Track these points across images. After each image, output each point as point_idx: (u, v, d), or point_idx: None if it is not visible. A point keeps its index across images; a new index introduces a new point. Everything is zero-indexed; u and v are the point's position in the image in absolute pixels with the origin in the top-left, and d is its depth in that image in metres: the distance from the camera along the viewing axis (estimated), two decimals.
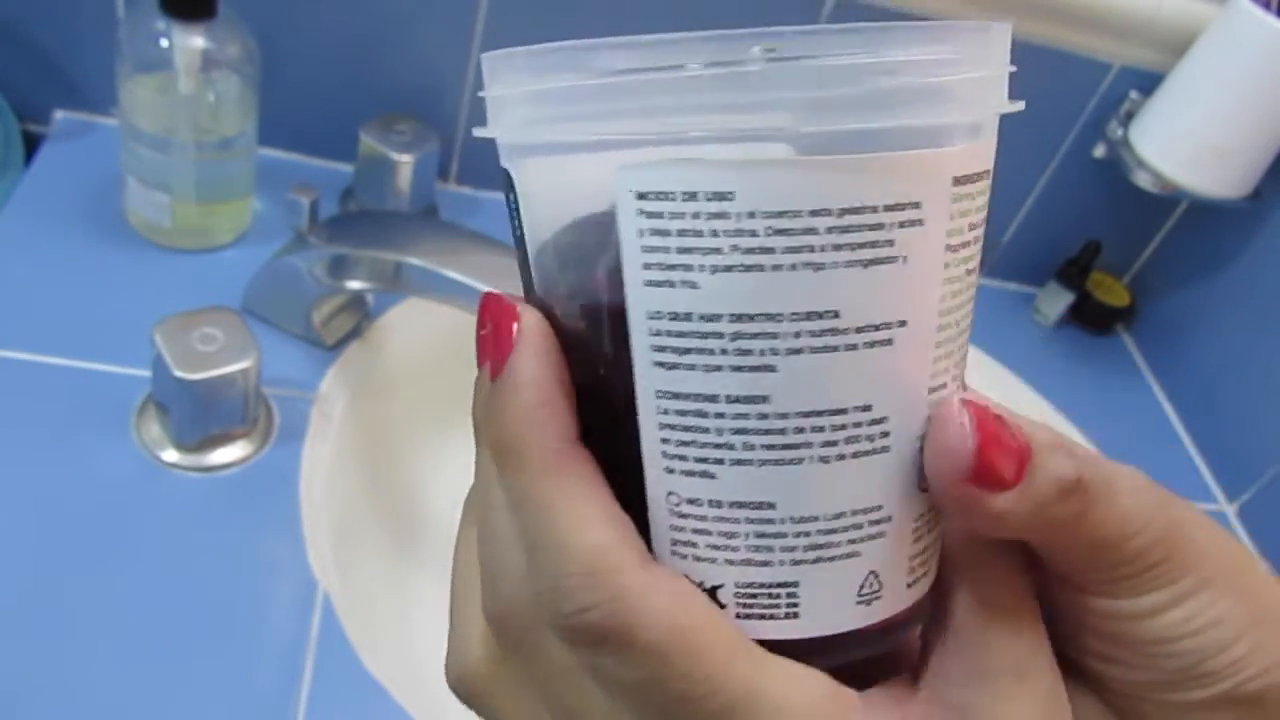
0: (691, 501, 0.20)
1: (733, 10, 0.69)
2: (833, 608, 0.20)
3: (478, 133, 0.22)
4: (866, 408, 0.20)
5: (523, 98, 0.20)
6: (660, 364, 0.19)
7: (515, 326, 0.21)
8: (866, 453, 0.20)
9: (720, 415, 0.19)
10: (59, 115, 0.73)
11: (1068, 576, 0.21)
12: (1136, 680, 0.22)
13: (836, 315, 0.19)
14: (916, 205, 0.19)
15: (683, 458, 0.20)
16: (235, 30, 0.61)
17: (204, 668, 0.48)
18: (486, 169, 0.79)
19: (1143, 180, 0.74)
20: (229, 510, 0.54)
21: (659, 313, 0.19)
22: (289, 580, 0.52)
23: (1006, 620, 0.21)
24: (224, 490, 0.55)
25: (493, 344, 0.21)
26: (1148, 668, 0.21)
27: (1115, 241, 0.85)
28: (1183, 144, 0.72)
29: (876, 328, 0.19)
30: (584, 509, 0.20)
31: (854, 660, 0.21)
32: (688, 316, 0.19)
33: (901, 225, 0.19)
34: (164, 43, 0.59)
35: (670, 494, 0.20)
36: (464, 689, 0.24)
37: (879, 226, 0.19)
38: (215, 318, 0.55)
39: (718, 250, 0.18)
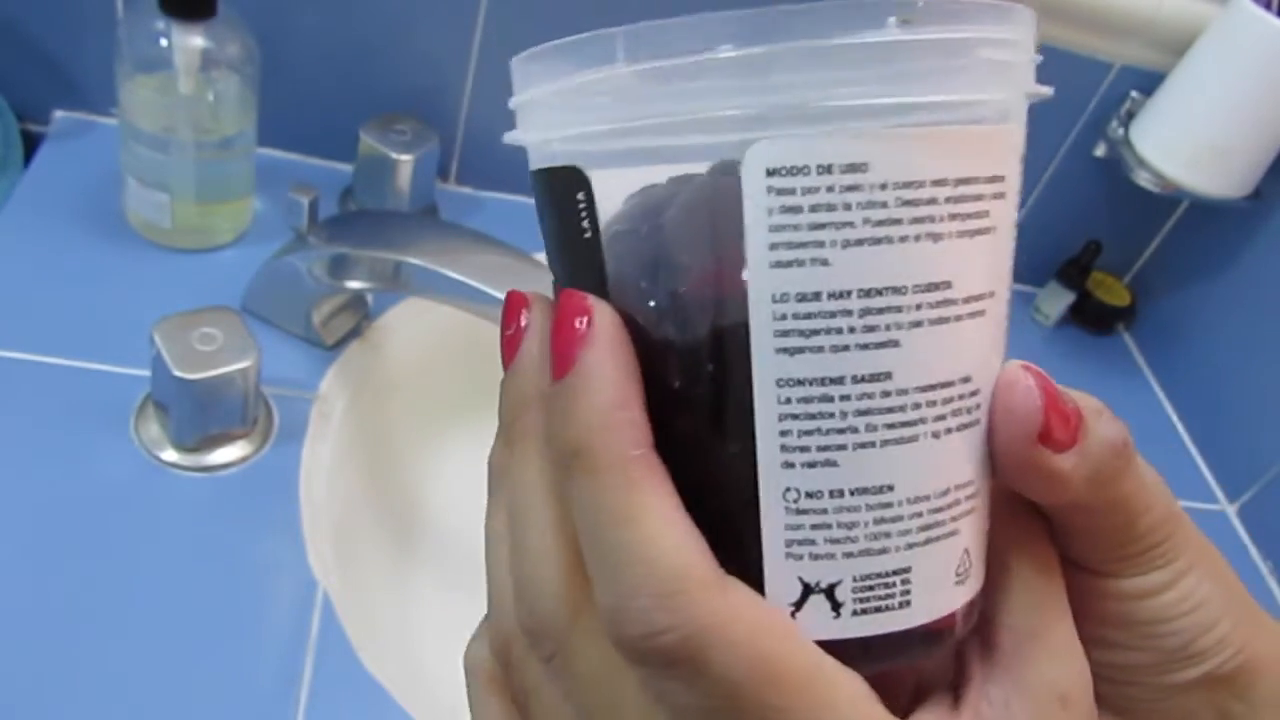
0: (811, 495, 0.19)
1: (736, 6, 0.69)
2: (937, 590, 0.20)
3: (542, 136, 0.21)
4: (967, 379, 0.20)
5: (613, 83, 0.19)
6: (784, 350, 0.19)
7: (584, 320, 0.20)
8: (967, 425, 0.20)
9: (845, 398, 0.19)
10: (59, 115, 0.73)
11: (1086, 555, 0.22)
12: (1132, 664, 0.22)
13: (950, 286, 0.19)
14: (1003, 179, 0.20)
15: (805, 449, 0.19)
16: (235, 30, 0.61)
17: (204, 668, 0.48)
18: (486, 169, 0.79)
19: (1143, 180, 0.74)
20: (229, 510, 0.54)
21: (785, 295, 0.18)
22: (289, 580, 0.52)
23: (1052, 643, 0.21)
24: (224, 490, 0.55)
25: (558, 337, 0.20)
26: (1146, 649, 0.22)
27: (1116, 241, 0.85)
28: (1183, 144, 0.72)
29: (978, 298, 0.20)
30: (662, 523, 0.19)
31: (912, 662, 0.21)
32: (816, 296, 0.18)
33: (994, 197, 0.19)
34: (164, 43, 0.59)
35: (788, 490, 0.19)
36: (538, 633, 0.22)
37: (980, 198, 0.19)
38: (215, 318, 0.55)
39: (850, 224, 0.18)
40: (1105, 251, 0.84)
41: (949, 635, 0.21)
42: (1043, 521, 0.22)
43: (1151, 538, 0.21)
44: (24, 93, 0.71)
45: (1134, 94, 0.76)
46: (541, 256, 0.67)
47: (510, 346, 0.22)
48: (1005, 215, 0.20)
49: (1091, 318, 0.86)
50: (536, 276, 0.56)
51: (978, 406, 0.20)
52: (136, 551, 0.51)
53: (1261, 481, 0.74)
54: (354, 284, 0.60)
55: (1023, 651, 0.21)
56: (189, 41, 0.59)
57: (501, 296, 0.56)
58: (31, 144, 0.71)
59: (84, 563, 0.50)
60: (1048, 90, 0.20)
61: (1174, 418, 0.82)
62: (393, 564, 0.64)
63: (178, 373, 0.52)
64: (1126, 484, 0.21)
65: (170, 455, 0.55)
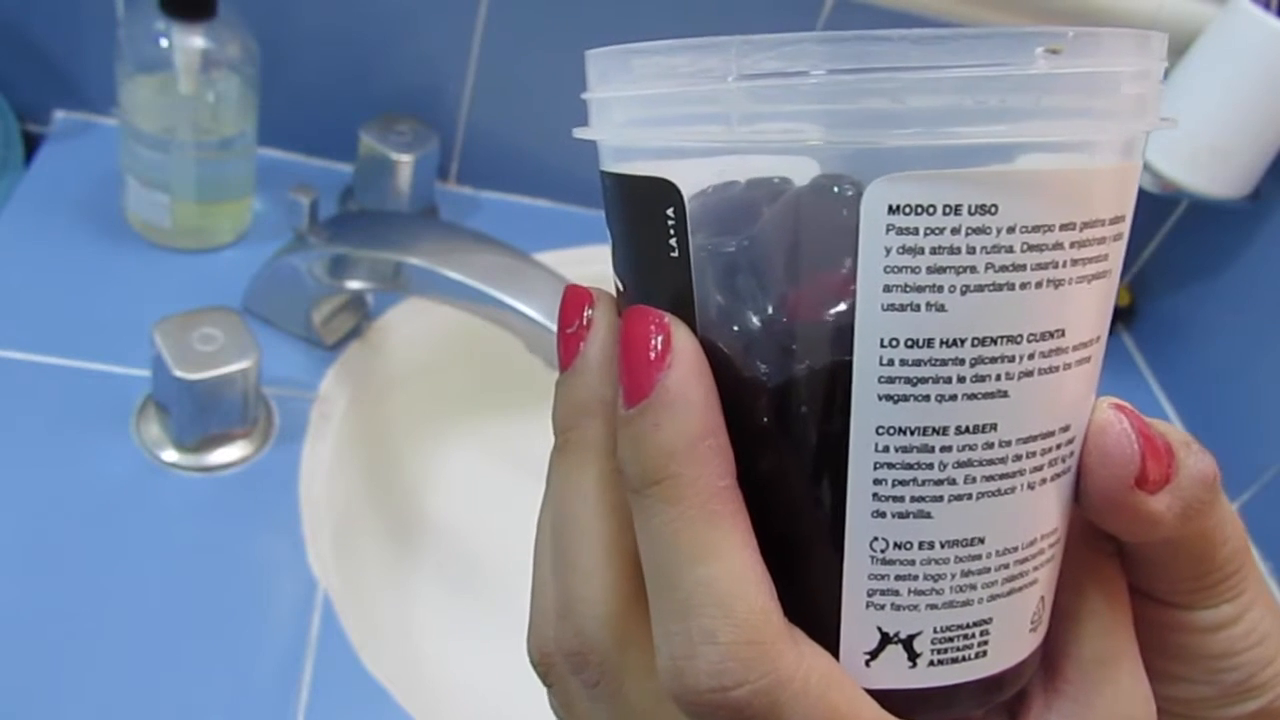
0: (900, 546, 0.18)
1: (734, 9, 0.69)
2: (1012, 640, 0.20)
3: (625, 140, 0.20)
4: (1066, 428, 0.19)
5: (718, 96, 0.18)
6: (888, 396, 0.18)
7: (661, 340, 0.19)
8: (1060, 474, 0.19)
9: (947, 449, 0.18)
10: (59, 115, 0.73)
11: (1161, 586, 0.22)
12: (1192, 697, 0.22)
13: (1063, 334, 0.18)
14: (1123, 218, 0.19)
15: (898, 499, 0.18)
16: (235, 30, 0.61)
17: (204, 668, 0.48)
18: (486, 169, 0.79)
19: (1143, 180, 0.74)
20: (229, 510, 0.54)
21: (895, 340, 0.17)
22: (289, 580, 0.52)
23: (1118, 672, 0.21)
24: (224, 490, 0.55)
25: (633, 359, 0.19)
26: (1210, 682, 0.22)
27: None
28: (1182, 144, 0.72)
29: (1086, 345, 0.19)
30: (742, 564, 0.18)
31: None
32: (929, 343, 0.17)
33: (1115, 239, 0.19)
34: (164, 43, 0.59)
35: (876, 540, 0.18)
36: (585, 657, 0.21)
37: (1103, 241, 0.18)
38: (215, 318, 0.55)
39: (972, 268, 0.17)
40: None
41: (1016, 681, 0.21)
42: (1112, 549, 0.22)
43: (1227, 568, 0.21)
44: (24, 93, 0.71)
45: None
46: (541, 257, 0.67)
47: (570, 346, 0.21)
48: (1120, 256, 0.19)
49: None
50: (536, 276, 0.56)
51: (1072, 454, 0.19)
52: (137, 551, 0.51)
53: (1261, 481, 0.74)
54: (354, 284, 0.60)
55: (1088, 680, 0.21)
56: (189, 42, 0.59)
57: (502, 297, 0.57)
58: (32, 144, 0.71)
59: (84, 562, 0.50)
60: (1175, 120, 0.19)
61: (1173, 417, 0.82)
62: (393, 564, 0.64)
63: (178, 373, 0.52)
64: (1213, 517, 0.20)
65: (170, 455, 0.55)
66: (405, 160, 0.69)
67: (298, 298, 0.61)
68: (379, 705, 0.49)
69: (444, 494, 0.69)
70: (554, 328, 0.56)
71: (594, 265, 0.74)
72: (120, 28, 0.60)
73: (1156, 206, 0.82)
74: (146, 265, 0.65)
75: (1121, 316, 0.87)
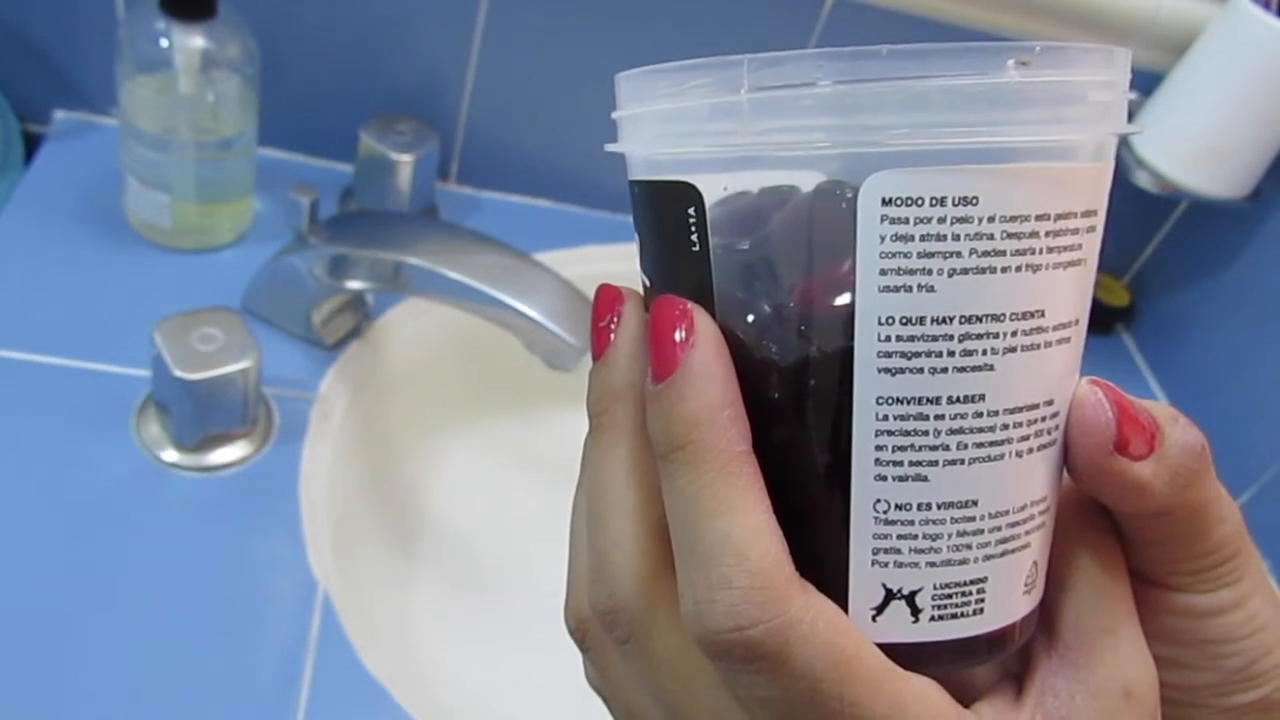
0: (900, 507, 0.20)
1: (734, 10, 0.69)
2: (1007, 600, 0.21)
3: (650, 151, 0.22)
4: (1050, 402, 0.21)
5: (731, 109, 0.20)
6: (886, 370, 0.20)
7: (685, 324, 0.21)
8: (1046, 445, 0.21)
9: (940, 417, 0.20)
10: (59, 115, 0.73)
11: (1158, 566, 0.22)
12: (1194, 684, 0.23)
13: (1043, 315, 0.20)
14: (1095, 213, 0.21)
15: (898, 463, 0.20)
16: (235, 30, 0.61)
17: (204, 668, 0.48)
18: (486, 169, 0.79)
19: (1142, 180, 0.74)
20: (229, 510, 0.54)
21: (890, 318, 0.20)
22: (289, 580, 0.52)
23: (1117, 638, 0.22)
24: (224, 490, 0.55)
25: (660, 340, 0.21)
26: (1209, 669, 0.22)
27: (1114, 241, 0.85)
28: (1182, 144, 0.72)
29: (1066, 326, 0.21)
30: (756, 519, 0.20)
31: (979, 667, 0.22)
32: (921, 320, 0.19)
33: (1088, 230, 0.21)
34: (164, 43, 0.59)
35: (878, 502, 0.20)
36: (616, 615, 0.22)
37: (1076, 231, 0.20)
38: (215, 318, 0.55)
39: (958, 253, 0.19)
40: (1104, 252, 0.83)
41: (1012, 641, 0.22)
42: (1109, 525, 0.23)
43: (1224, 551, 0.22)
44: (24, 93, 0.71)
45: (1133, 94, 0.76)
46: (541, 257, 0.67)
47: (601, 338, 0.23)
48: (1094, 247, 0.21)
49: (1091, 317, 0.86)
50: (536, 276, 0.56)
51: (1057, 427, 0.21)
52: (137, 551, 0.51)
53: (1261, 481, 0.74)
54: (354, 284, 0.60)
55: (1087, 645, 0.22)
56: (189, 42, 0.59)
57: (502, 297, 0.57)
58: (32, 144, 0.71)
59: (84, 562, 0.50)
60: (1140, 128, 0.21)
61: None
62: (393, 564, 0.64)
63: (178, 373, 0.52)
64: (1205, 490, 0.21)
65: (170, 455, 0.55)
66: (405, 160, 0.69)
67: (298, 298, 0.62)
68: (379, 705, 0.49)
69: (444, 494, 0.69)
70: (553, 328, 0.56)
71: (594, 265, 0.74)
72: (120, 28, 0.60)
73: (1156, 206, 0.82)
74: (146, 265, 0.65)
75: (1121, 316, 0.87)
